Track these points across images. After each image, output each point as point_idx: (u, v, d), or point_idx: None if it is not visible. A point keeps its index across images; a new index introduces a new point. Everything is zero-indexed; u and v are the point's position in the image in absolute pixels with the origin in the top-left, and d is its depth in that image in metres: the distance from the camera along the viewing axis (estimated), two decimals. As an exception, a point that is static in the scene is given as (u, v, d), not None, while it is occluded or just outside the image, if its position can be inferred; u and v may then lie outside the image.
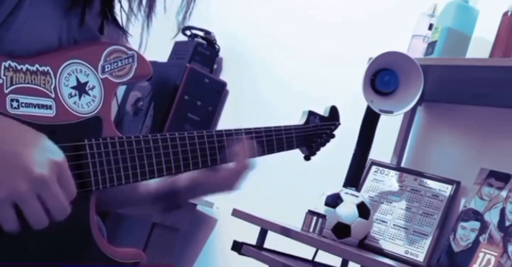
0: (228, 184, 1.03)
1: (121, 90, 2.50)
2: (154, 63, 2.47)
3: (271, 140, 1.09)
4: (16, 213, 0.66)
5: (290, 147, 1.15)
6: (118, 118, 2.44)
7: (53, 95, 0.79)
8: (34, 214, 0.66)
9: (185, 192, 1.05)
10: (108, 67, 0.86)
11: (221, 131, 1.00)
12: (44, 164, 0.66)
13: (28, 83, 0.77)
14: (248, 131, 1.04)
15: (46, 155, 0.68)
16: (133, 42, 0.95)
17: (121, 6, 0.92)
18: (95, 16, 0.88)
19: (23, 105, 0.76)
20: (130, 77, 0.88)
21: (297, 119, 1.20)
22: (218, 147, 0.99)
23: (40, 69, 0.78)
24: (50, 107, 0.79)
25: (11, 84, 0.75)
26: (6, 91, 0.74)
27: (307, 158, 1.25)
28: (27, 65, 0.77)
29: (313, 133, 1.22)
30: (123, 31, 0.94)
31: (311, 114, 1.22)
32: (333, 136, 1.27)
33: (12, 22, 0.76)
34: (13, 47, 0.77)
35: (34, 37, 0.79)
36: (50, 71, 0.79)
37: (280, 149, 1.12)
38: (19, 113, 0.75)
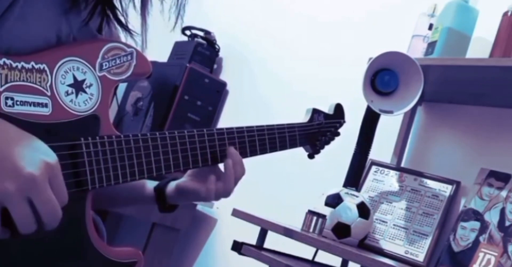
0: (224, 192, 1.01)
1: (121, 90, 2.50)
2: (154, 63, 2.47)
3: (274, 138, 1.08)
4: (4, 219, 0.64)
5: (293, 145, 1.14)
6: (118, 118, 2.44)
7: (49, 93, 0.78)
8: (23, 216, 0.64)
9: (171, 198, 1.04)
10: (106, 65, 0.85)
11: (222, 129, 1.00)
12: (35, 164, 0.64)
13: (23, 81, 0.76)
14: (249, 129, 1.04)
15: (38, 155, 0.66)
16: (133, 42, 0.94)
17: (115, 7, 0.91)
18: (95, 15, 0.88)
19: (18, 103, 0.75)
20: (128, 75, 0.88)
21: (297, 119, 1.20)
22: (218, 145, 0.99)
23: (36, 66, 0.77)
24: (46, 105, 0.78)
25: (6, 82, 0.74)
26: (0, 89, 0.74)
27: (311, 156, 1.24)
28: (22, 63, 0.76)
29: (317, 131, 1.21)
30: (127, 30, 0.93)
31: (315, 111, 1.21)
32: (338, 134, 1.26)
33: (8, 19, 0.75)
34: (9, 44, 0.76)
35: (31, 34, 0.79)
36: (46, 68, 0.78)
37: (283, 147, 1.11)
38: (14, 111, 0.74)
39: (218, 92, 2.36)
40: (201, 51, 2.37)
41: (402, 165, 1.66)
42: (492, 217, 1.33)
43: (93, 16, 0.86)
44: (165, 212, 1.06)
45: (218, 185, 0.99)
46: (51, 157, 0.68)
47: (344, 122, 1.27)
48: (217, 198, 1.01)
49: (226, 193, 1.01)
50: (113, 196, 1.03)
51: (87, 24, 0.87)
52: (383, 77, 1.43)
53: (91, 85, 0.83)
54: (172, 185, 1.04)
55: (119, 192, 1.02)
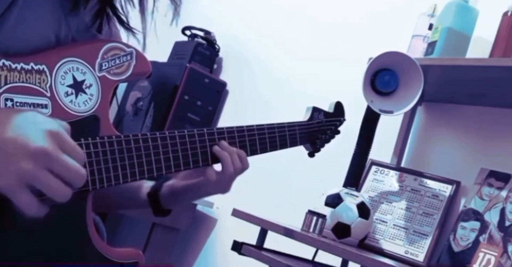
0: (221, 188, 1.01)
1: (121, 90, 2.50)
2: (154, 63, 2.47)
3: (274, 137, 1.08)
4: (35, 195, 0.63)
5: (293, 143, 1.14)
6: (118, 118, 2.44)
7: (48, 94, 0.78)
8: (52, 186, 0.63)
9: (165, 200, 1.04)
10: (105, 65, 0.85)
11: (222, 128, 1.00)
12: (40, 137, 0.63)
13: (22, 82, 0.76)
14: (250, 128, 1.04)
15: (40, 127, 0.65)
16: (132, 41, 0.94)
17: (115, 6, 0.91)
18: (94, 15, 0.88)
19: (17, 104, 0.75)
20: (128, 75, 0.88)
21: (297, 119, 1.20)
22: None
23: (35, 67, 0.77)
24: (45, 106, 0.78)
25: (5, 83, 0.74)
26: (0, 91, 0.74)
27: (311, 154, 1.24)
28: (21, 64, 0.76)
29: (317, 130, 1.21)
30: (128, 29, 0.93)
31: (315, 110, 1.21)
32: (338, 132, 1.26)
33: (7, 19, 0.75)
34: (8, 45, 0.76)
35: (30, 35, 0.79)
36: (46, 69, 0.78)
37: (283, 146, 1.11)
38: None
39: (218, 92, 2.36)
40: (201, 51, 2.37)
41: (402, 165, 1.66)
42: (492, 217, 1.33)
43: (97, 19, 0.85)
44: (159, 216, 1.05)
45: (218, 176, 0.99)
46: (53, 124, 0.67)
47: (344, 120, 1.27)
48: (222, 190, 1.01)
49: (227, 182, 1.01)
50: (108, 197, 1.02)
51: (86, 24, 0.87)
52: (383, 77, 1.43)
53: (90, 85, 0.83)
54: (166, 188, 1.03)
55: (115, 194, 1.01)
